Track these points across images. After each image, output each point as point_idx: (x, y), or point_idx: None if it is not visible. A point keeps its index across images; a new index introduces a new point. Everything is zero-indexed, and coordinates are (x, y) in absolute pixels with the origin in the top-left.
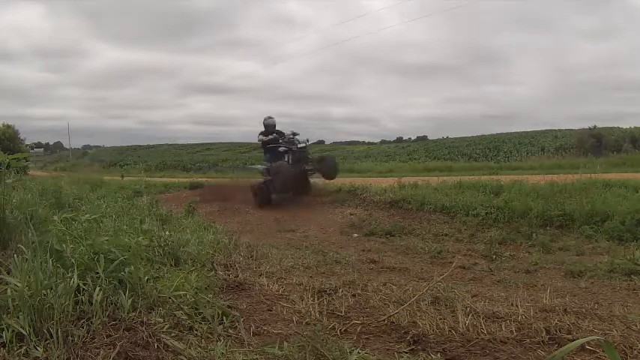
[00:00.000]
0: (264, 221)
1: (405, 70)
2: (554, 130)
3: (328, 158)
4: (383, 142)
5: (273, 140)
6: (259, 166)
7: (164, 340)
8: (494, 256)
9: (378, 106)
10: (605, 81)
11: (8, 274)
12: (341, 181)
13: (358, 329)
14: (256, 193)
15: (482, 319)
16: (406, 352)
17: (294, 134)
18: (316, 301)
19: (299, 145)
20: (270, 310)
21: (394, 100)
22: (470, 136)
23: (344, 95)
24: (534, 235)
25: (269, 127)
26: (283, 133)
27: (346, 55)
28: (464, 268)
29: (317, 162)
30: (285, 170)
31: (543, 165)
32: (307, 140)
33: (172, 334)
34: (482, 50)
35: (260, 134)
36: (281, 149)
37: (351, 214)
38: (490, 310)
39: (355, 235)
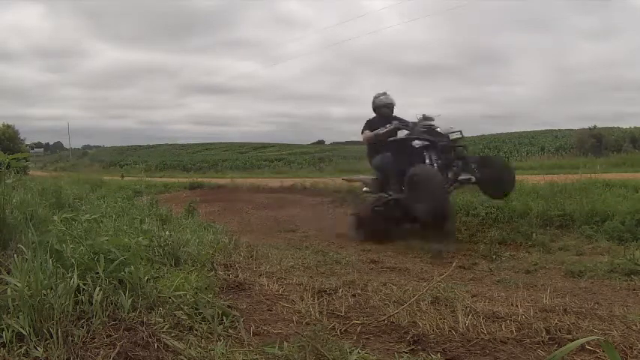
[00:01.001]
0: (264, 221)
1: (405, 70)
2: (554, 130)
3: (498, 160)
4: None
5: (391, 132)
6: (363, 176)
7: (164, 340)
8: (494, 256)
9: None
10: (605, 81)
11: (8, 274)
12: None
13: (358, 329)
14: (363, 221)
15: (483, 319)
16: (406, 352)
17: (426, 119)
18: (316, 301)
19: (450, 137)
20: (270, 310)
21: (394, 100)
22: (470, 136)
23: (344, 95)
24: (534, 235)
25: (382, 110)
26: (406, 122)
27: (346, 55)
28: (464, 268)
29: (479, 166)
30: (436, 180)
31: (543, 165)
32: (460, 132)
33: (172, 334)
34: (482, 50)
35: (366, 125)
36: (418, 143)
37: (351, 214)
38: (490, 310)
39: None
